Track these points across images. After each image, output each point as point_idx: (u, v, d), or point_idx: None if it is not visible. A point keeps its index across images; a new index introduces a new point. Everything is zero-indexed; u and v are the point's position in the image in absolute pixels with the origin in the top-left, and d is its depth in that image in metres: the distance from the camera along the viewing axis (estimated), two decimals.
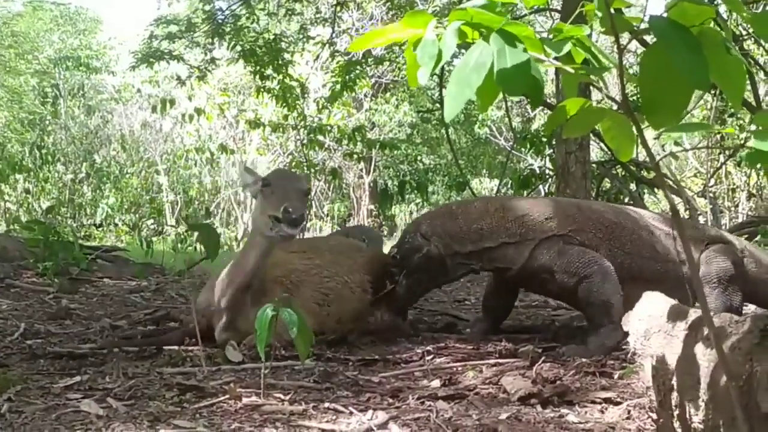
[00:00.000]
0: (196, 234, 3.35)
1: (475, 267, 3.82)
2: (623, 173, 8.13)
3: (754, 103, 7.25)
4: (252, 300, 3.41)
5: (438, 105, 9.73)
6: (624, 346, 2.96)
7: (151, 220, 13.99)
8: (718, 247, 3.83)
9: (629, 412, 2.43)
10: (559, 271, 3.63)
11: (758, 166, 1.24)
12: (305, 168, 9.31)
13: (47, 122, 16.29)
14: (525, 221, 3.74)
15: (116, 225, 14.05)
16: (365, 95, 15.12)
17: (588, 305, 3.59)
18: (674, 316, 1.93)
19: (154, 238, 10.08)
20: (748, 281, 3.88)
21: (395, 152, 14.21)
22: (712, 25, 1.35)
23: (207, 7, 7.99)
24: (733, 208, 12.00)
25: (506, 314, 4.15)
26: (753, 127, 1.23)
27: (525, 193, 8.88)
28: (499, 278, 4.00)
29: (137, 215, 14.43)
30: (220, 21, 7.87)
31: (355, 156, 9.82)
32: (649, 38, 1.35)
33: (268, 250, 3.41)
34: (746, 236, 7.09)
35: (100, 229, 13.87)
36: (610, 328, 3.43)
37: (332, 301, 3.76)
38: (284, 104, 8.55)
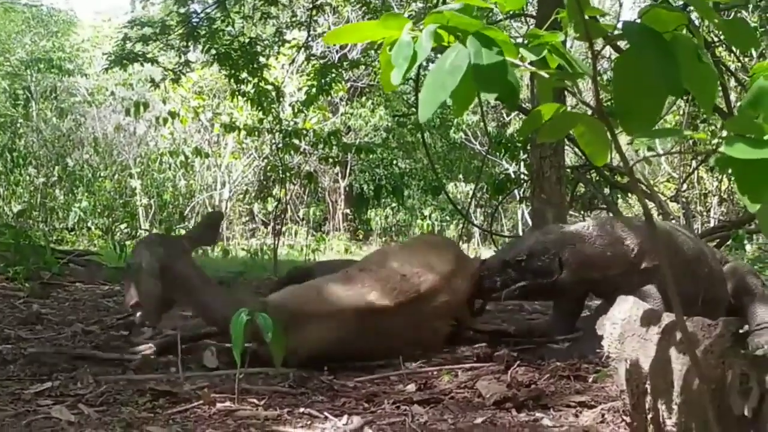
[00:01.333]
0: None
1: (596, 291, 3.77)
2: (597, 178, 8.18)
3: (725, 110, 7.34)
4: None
5: (414, 109, 9.75)
6: (598, 350, 2.99)
7: (125, 224, 13.86)
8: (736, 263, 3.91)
9: (603, 415, 2.44)
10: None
11: (729, 171, 1.25)
12: (280, 172, 9.27)
13: (19, 125, 16.08)
14: (633, 251, 3.60)
15: (89, 229, 13.89)
16: (341, 99, 15.11)
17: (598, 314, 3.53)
18: (648, 320, 1.95)
19: (128, 243, 9.98)
20: None
21: (371, 156, 14.20)
22: (684, 31, 1.36)
23: (182, 10, 7.93)
24: (705, 213, 12.15)
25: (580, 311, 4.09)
26: (724, 133, 1.25)
27: (500, 197, 8.91)
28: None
29: (110, 219, 14.28)
30: (194, 24, 7.82)
31: (331, 160, 9.79)
32: (623, 44, 1.36)
33: None
34: (718, 240, 7.19)
35: (73, 233, 13.70)
36: (596, 342, 3.42)
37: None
38: (259, 108, 8.51)
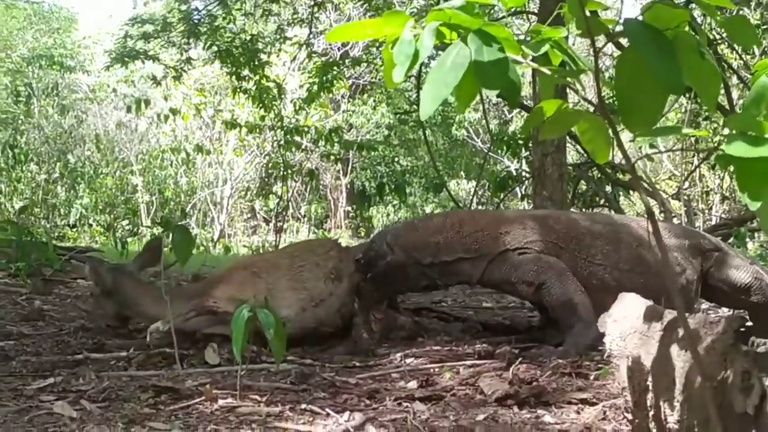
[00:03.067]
0: (172, 234, 3.33)
1: (438, 281, 3.91)
2: (599, 175, 8.18)
3: (727, 107, 7.33)
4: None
5: (415, 107, 9.74)
6: (600, 347, 2.99)
7: (126, 221, 13.87)
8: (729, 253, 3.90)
9: (605, 412, 2.44)
10: (518, 282, 3.70)
11: (730, 168, 1.25)
12: (282, 169, 9.27)
13: (20, 121, 16.08)
14: (480, 237, 3.80)
15: (90, 225, 13.90)
16: (342, 96, 15.11)
17: (552, 309, 3.63)
18: (650, 317, 1.95)
19: (129, 239, 10.00)
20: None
21: (372, 154, 14.20)
22: (686, 29, 1.36)
23: (183, 7, 7.92)
24: (707, 211, 12.13)
25: None
26: (726, 131, 1.24)
27: (502, 194, 8.90)
28: None
29: (112, 216, 14.29)
30: (196, 21, 7.81)
31: (333, 157, 9.79)
32: (625, 41, 1.36)
33: None
34: (720, 238, 7.17)
35: (75, 229, 13.71)
36: (581, 327, 3.46)
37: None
38: (261, 105, 8.51)
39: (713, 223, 10.51)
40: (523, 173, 8.84)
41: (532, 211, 4.68)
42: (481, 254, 3.77)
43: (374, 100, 15.95)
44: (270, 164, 11.05)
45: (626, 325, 2.04)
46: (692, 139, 9.55)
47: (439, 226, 3.90)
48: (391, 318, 3.96)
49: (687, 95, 7.56)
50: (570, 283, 3.59)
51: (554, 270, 3.62)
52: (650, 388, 1.88)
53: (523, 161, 8.89)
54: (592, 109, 1.52)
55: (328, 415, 2.47)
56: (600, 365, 3.05)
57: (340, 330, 3.81)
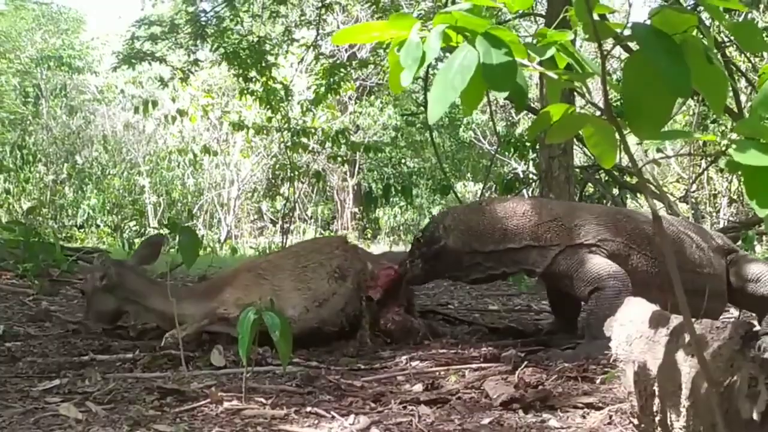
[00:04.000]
0: (179, 236, 3.34)
1: (496, 271, 3.79)
2: (606, 178, 8.16)
3: (735, 110, 7.30)
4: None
5: (422, 108, 9.74)
6: (606, 351, 2.97)
7: (134, 222, 13.91)
8: (744, 255, 3.90)
9: (611, 417, 2.43)
10: (577, 279, 3.60)
11: (738, 172, 1.25)
12: (289, 170, 9.29)
13: (28, 122, 16.16)
14: (552, 227, 3.70)
15: (98, 226, 13.96)
16: (350, 98, 15.11)
17: (591, 314, 3.54)
18: (656, 321, 1.94)
19: (136, 240, 10.01)
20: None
21: (379, 155, 14.21)
22: (695, 32, 1.36)
23: (191, 9, 7.94)
24: (714, 214, 12.09)
25: (575, 310, 4.12)
26: (734, 136, 1.24)
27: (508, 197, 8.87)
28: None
29: (119, 216, 14.34)
30: (203, 23, 7.83)
31: (339, 159, 9.80)
32: (634, 44, 1.35)
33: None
34: None
35: (82, 230, 13.77)
36: (602, 344, 3.42)
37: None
38: (268, 106, 8.52)
39: (721, 226, 10.48)
40: (530, 175, 8.83)
41: (604, 207, 4.51)
42: (552, 244, 3.67)
43: (381, 102, 15.96)
44: (277, 166, 11.06)
45: (632, 330, 2.03)
46: (700, 142, 9.52)
47: (509, 212, 3.76)
48: (407, 321, 3.92)
49: (695, 98, 7.55)
50: (620, 301, 3.54)
51: (616, 283, 3.53)
52: (656, 393, 1.87)
53: (530, 163, 8.88)
54: (598, 112, 1.52)
55: (333, 418, 2.46)
56: (606, 370, 3.03)
57: (344, 330, 3.79)
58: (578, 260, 3.62)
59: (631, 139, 1.51)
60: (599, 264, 3.59)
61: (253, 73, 8.23)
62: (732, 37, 6.91)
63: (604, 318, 3.49)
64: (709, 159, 9.54)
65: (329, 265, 3.83)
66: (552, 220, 3.72)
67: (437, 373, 3.16)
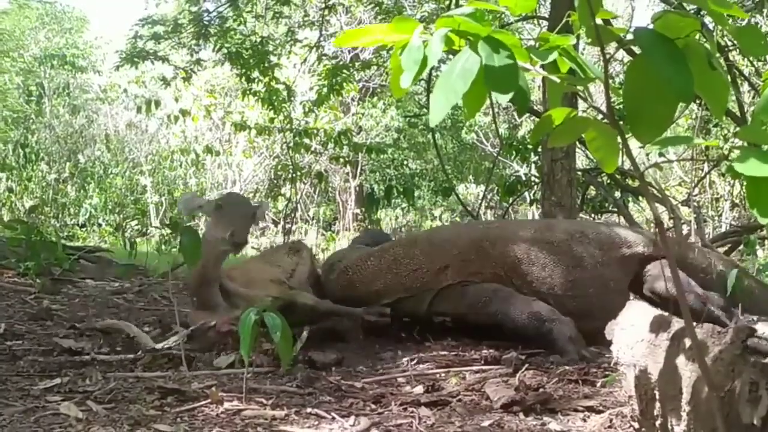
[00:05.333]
0: (180, 236, 3.35)
1: (387, 317, 3.97)
2: (608, 181, 8.15)
3: (738, 114, 7.29)
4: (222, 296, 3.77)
5: (425, 110, 9.74)
6: (607, 355, 2.97)
7: (135, 221, 13.91)
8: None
9: (611, 420, 2.43)
10: (470, 313, 3.73)
11: (741, 176, 1.25)
12: (291, 171, 9.28)
13: (31, 121, 16.17)
14: (419, 275, 3.83)
15: (100, 225, 13.95)
16: (352, 99, 15.11)
17: (521, 330, 3.60)
18: (657, 326, 1.94)
19: (138, 239, 10.02)
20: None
21: (382, 156, 14.19)
22: (697, 37, 1.36)
23: (194, 9, 7.95)
24: (716, 218, 12.08)
25: None
26: (737, 141, 1.24)
27: (510, 199, 8.87)
28: None
29: (121, 216, 14.34)
30: (206, 23, 7.83)
31: (342, 160, 9.80)
32: (637, 48, 1.35)
33: (221, 257, 3.75)
34: (729, 246, 7.14)
35: (84, 229, 13.77)
36: (556, 325, 3.46)
37: None
38: (270, 107, 8.52)
39: (723, 230, 10.47)
40: (532, 178, 8.81)
41: (466, 231, 4.35)
42: (423, 290, 3.82)
43: (384, 103, 15.94)
44: (279, 166, 11.04)
45: (633, 334, 2.04)
46: (702, 146, 9.51)
47: (376, 271, 3.93)
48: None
49: (697, 102, 7.54)
50: (518, 299, 3.59)
51: (496, 295, 3.66)
52: (657, 397, 1.87)
53: (533, 166, 8.87)
54: (601, 116, 1.51)
55: (333, 419, 2.47)
56: (607, 373, 3.04)
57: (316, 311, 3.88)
58: (455, 297, 3.77)
59: (633, 143, 1.51)
60: (474, 293, 3.72)
61: (255, 74, 8.23)
62: (735, 42, 6.91)
63: (526, 320, 3.54)
64: (711, 162, 9.53)
65: (284, 247, 4.40)
66: (416, 269, 3.85)
67: (438, 375, 3.16)
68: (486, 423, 2.46)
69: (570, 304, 3.70)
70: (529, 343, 3.86)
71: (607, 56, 1.42)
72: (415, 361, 3.43)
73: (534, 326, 3.53)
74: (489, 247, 3.84)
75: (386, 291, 3.85)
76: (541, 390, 2.79)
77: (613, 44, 1.55)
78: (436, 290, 3.79)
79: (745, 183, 1.22)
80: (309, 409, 2.56)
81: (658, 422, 1.87)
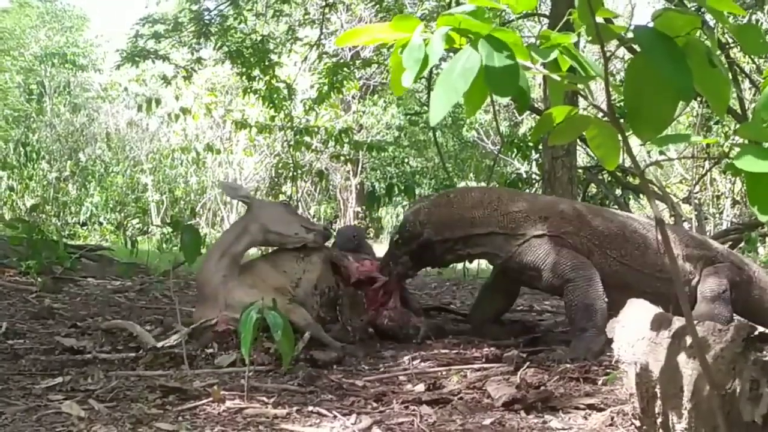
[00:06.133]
0: (181, 234, 3.36)
1: (462, 253, 3.92)
2: (609, 179, 8.16)
3: (739, 110, 7.29)
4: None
5: (426, 108, 9.73)
6: (608, 353, 2.97)
7: (136, 220, 13.91)
8: (719, 266, 3.86)
9: (612, 418, 2.43)
10: (546, 270, 3.69)
11: (742, 174, 1.25)
12: (291, 169, 9.28)
13: (32, 119, 16.17)
14: (518, 217, 3.80)
15: (101, 224, 13.97)
16: (353, 97, 15.10)
17: (571, 308, 3.62)
18: (658, 324, 1.94)
19: (139, 238, 10.03)
20: (751, 305, 3.90)
21: (382, 154, 14.20)
22: (698, 34, 1.36)
23: (194, 7, 7.94)
24: (717, 215, 12.07)
25: (500, 311, 4.29)
26: (738, 139, 1.24)
27: None
28: (497, 274, 4.14)
29: (122, 214, 14.35)
30: (207, 21, 7.83)
31: (342, 158, 9.80)
32: (638, 46, 1.35)
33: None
34: (731, 243, 7.14)
35: (85, 227, 13.78)
36: (593, 333, 3.45)
37: None
38: (270, 105, 8.52)
39: (724, 227, 10.47)
40: (533, 176, 8.82)
41: (573, 203, 4.64)
42: (517, 233, 3.77)
43: (384, 101, 15.94)
44: (280, 164, 11.05)
45: (635, 332, 2.04)
46: (703, 143, 9.50)
47: (476, 202, 3.90)
48: (405, 316, 3.96)
49: (698, 99, 7.54)
50: (596, 288, 3.59)
51: (586, 272, 3.62)
52: (658, 395, 1.87)
53: (533, 164, 8.88)
54: (601, 114, 1.52)
55: (335, 417, 2.47)
56: (608, 371, 3.04)
57: (320, 316, 3.85)
58: (544, 252, 3.72)
59: (634, 140, 1.51)
60: (565, 255, 3.68)
61: (256, 72, 8.23)
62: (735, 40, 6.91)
63: (584, 308, 3.54)
64: (712, 160, 9.52)
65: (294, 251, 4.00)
66: (518, 210, 3.83)
67: (439, 374, 3.17)
68: (487, 421, 2.46)
69: (655, 284, 3.72)
70: (530, 339, 3.88)
71: (608, 54, 1.41)
72: (416, 360, 3.43)
73: (580, 316, 3.54)
74: (590, 218, 3.88)
75: (482, 221, 3.83)
76: (542, 388, 2.79)
77: (614, 42, 1.55)
78: (529, 236, 3.76)
79: (745, 180, 1.22)
80: (310, 408, 2.56)
81: (659, 420, 1.87)
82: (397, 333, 3.90)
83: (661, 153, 8.13)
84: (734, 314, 3.79)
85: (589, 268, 3.64)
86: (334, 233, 4.28)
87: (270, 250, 4.32)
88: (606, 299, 3.57)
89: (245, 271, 3.83)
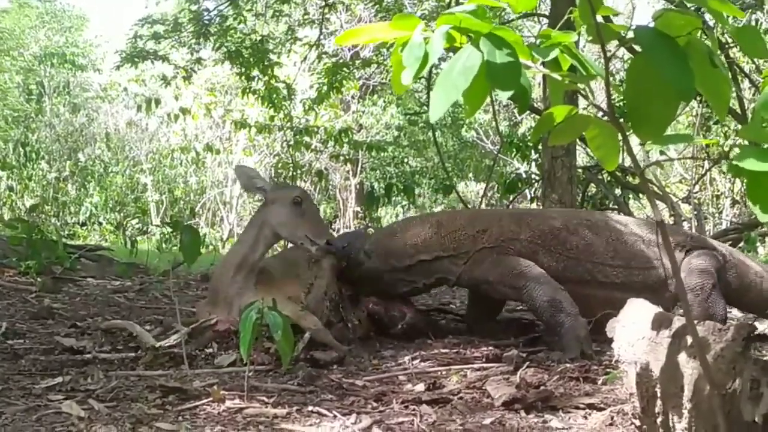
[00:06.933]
0: (181, 234, 3.35)
1: (417, 284, 3.99)
2: (609, 179, 8.15)
3: (738, 110, 7.29)
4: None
5: (425, 108, 9.73)
6: (608, 352, 2.97)
7: (136, 220, 13.91)
8: (700, 252, 3.86)
9: (612, 418, 2.43)
10: (495, 282, 3.78)
11: (741, 174, 1.25)
12: (291, 169, 9.28)
13: (32, 119, 16.17)
14: (458, 236, 3.89)
15: (100, 224, 13.96)
16: (352, 97, 15.10)
17: (537, 311, 3.69)
18: (658, 323, 1.94)
19: (139, 238, 10.03)
20: (732, 287, 3.91)
21: (382, 154, 14.19)
22: (699, 34, 1.35)
23: (194, 7, 7.94)
24: (717, 215, 12.08)
25: (490, 315, 4.32)
26: (738, 139, 1.24)
27: (511, 197, 8.87)
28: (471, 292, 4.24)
29: (122, 214, 14.35)
30: (206, 21, 7.83)
31: (342, 158, 9.81)
32: (638, 46, 1.35)
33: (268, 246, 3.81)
34: (730, 243, 7.14)
35: (84, 228, 13.78)
36: (571, 321, 3.50)
37: None
38: (270, 105, 8.52)
39: (723, 227, 10.47)
40: (533, 176, 8.82)
41: (509, 210, 4.75)
42: (460, 252, 3.86)
43: (384, 101, 15.93)
44: (279, 164, 11.04)
45: (635, 331, 2.03)
46: (703, 143, 9.51)
47: (418, 229, 3.99)
48: (390, 302, 3.99)
49: (698, 99, 7.54)
50: (548, 283, 3.64)
51: (531, 274, 3.68)
52: (658, 394, 1.87)
53: (533, 164, 8.87)
54: (601, 114, 1.52)
55: (335, 417, 2.47)
56: (608, 370, 3.04)
57: (327, 318, 3.83)
58: (488, 265, 3.80)
59: (634, 140, 1.51)
60: (509, 264, 3.76)
61: (255, 72, 8.23)
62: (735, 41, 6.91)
63: (548, 304, 3.57)
64: (711, 160, 9.52)
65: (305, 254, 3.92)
66: (456, 230, 3.91)
67: (439, 373, 3.17)
68: (487, 421, 2.46)
69: (610, 272, 3.79)
70: (529, 339, 3.88)
71: (608, 54, 1.41)
72: (416, 359, 3.43)
73: (550, 313, 3.57)
74: (528, 220, 3.95)
75: (425, 247, 3.90)
76: (542, 387, 2.79)
77: (614, 42, 1.55)
78: (472, 252, 3.83)
79: (746, 180, 1.22)
80: (310, 408, 2.56)
81: (659, 420, 1.87)
82: (383, 316, 3.97)
83: (661, 153, 8.14)
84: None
85: (533, 268, 3.71)
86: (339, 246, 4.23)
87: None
88: (562, 288, 3.61)
89: (261, 281, 3.78)
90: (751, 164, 1.16)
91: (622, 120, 1.46)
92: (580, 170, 7.63)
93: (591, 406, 2.61)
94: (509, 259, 3.76)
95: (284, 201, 3.66)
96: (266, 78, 8.29)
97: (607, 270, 3.81)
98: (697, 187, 10.75)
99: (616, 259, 3.82)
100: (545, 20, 7.88)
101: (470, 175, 17.46)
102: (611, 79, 1.42)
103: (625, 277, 3.78)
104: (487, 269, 3.78)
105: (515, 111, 15.26)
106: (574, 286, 3.69)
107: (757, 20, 8.12)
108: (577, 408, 2.61)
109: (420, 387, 2.91)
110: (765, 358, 1.57)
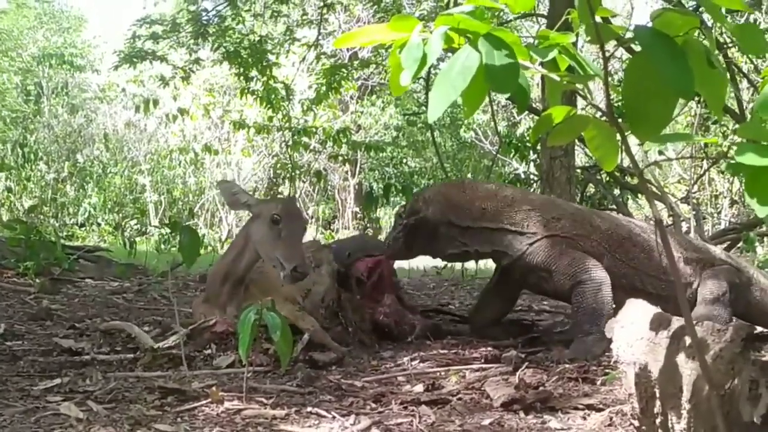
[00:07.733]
0: (179, 235, 3.34)
1: (469, 249, 3.83)
2: (607, 179, 8.16)
3: (737, 111, 7.30)
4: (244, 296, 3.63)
5: (424, 108, 9.73)
6: (607, 353, 2.97)
7: (135, 221, 13.90)
8: (718, 268, 3.87)
9: (611, 418, 2.43)
10: (557, 271, 3.65)
11: (740, 174, 1.25)
12: (290, 169, 9.28)
13: (30, 120, 16.17)
14: (530, 215, 3.76)
15: (99, 225, 13.96)
16: (351, 97, 15.10)
17: (579, 309, 3.60)
18: (657, 324, 1.93)
19: (138, 239, 10.02)
20: (752, 308, 3.91)
21: (381, 155, 14.19)
22: (696, 34, 1.36)
23: (192, 8, 7.94)
24: (715, 215, 12.09)
25: (502, 312, 4.24)
26: (736, 138, 1.24)
27: None
28: (499, 277, 4.08)
29: (120, 215, 14.35)
30: (204, 22, 7.83)
31: (341, 158, 9.81)
32: (637, 46, 1.35)
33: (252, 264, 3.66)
34: (729, 243, 7.14)
35: (83, 228, 13.78)
36: (597, 337, 3.44)
37: None
38: (268, 106, 8.52)
39: (722, 227, 10.48)
40: (532, 176, 8.82)
41: (581, 207, 4.61)
42: (529, 231, 3.73)
43: (383, 101, 15.94)
44: (278, 165, 11.06)
45: (633, 332, 2.03)
46: (701, 143, 9.52)
47: (491, 193, 3.84)
48: (402, 313, 3.95)
49: (697, 99, 7.55)
50: (606, 292, 3.58)
51: (597, 275, 3.61)
52: (657, 395, 1.87)
53: (532, 164, 8.88)
54: (600, 114, 1.52)
55: (334, 418, 2.46)
56: (607, 371, 3.04)
57: (323, 323, 3.80)
58: (557, 252, 3.68)
59: (632, 140, 1.51)
60: (579, 257, 3.65)
61: (254, 73, 8.23)
62: (734, 40, 6.91)
63: (592, 312, 3.53)
64: (710, 161, 9.53)
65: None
66: (531, 209, 3.78)
67: (438, 374, 3.16)
68: (486, 421, 2.45)
69: (659, 285, 3.76)
70: (529, 340, 3.88)
71: (607, 54, 1.41)
72: (415, 360, 3.43)
73: (587, 319, 3.53)
74: (599, 222, 3.88)
75: (494, 214, 3.75)
76: (541, 388, 2.79)
77: (613, 42, 1.55)
78: (541, 236, 3.71)
79: (744, 175, 1.22)
80: (309, 409, 2.56)
81: (658, 420, 1.87)
82: (393, 329, 3.88)
83: (660, 153, 8.14)
84: (735, 317, 3.79)
85: (601, 271, 3.63)
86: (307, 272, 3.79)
87: None
88: (614, 305, 3.56)
89: (257, 280, 3.77)
90: (750, 159, 1.17)
91: (620, 120, 1.46)
92: (578, 170, 7.63)
93: (590, 407, 2.61)
94: (581, 254, 3.67)
95: (264, 218, 3.54)
96: (265, 78, 8.29)
97: (656, 282, 3.77)
98: (695, 187, 10.76)
99: (665, 273, 3.78)
100: (543, 20, 7.89)
101: (469, 175, 17.45)
102: (609, 79, 1.42)
103: (669, 290, 3.73)
104: (555, 257, 3.66)
105: (514, 111, 15.27)
106: (626, 293, 3.56)
107: (755, 20, 8.13)
108: (576, 408, 2.61)
109: (419, 388, 2.91)
110: (764, 359, 1.56)
